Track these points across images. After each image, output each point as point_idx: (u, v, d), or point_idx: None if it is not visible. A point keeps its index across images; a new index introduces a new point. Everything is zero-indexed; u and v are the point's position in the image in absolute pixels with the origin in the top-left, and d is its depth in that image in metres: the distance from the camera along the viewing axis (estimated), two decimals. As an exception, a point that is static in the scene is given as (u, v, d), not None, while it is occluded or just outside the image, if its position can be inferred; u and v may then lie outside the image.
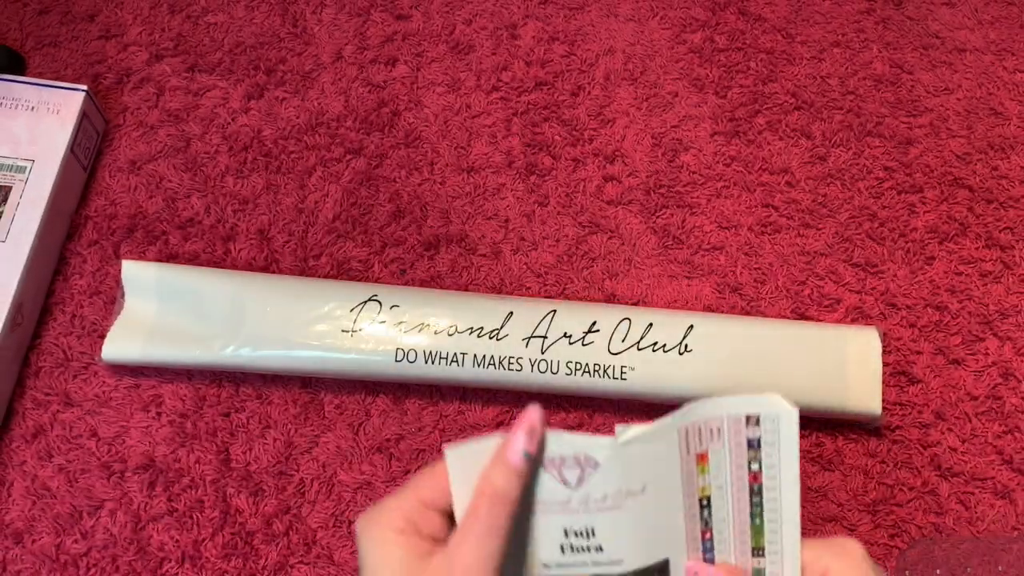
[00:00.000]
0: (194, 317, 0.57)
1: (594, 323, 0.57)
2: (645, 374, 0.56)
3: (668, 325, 0.57)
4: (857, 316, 0.63)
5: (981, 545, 0.54)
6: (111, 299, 0.61)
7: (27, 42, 0.69)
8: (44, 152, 0.60)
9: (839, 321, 0.63)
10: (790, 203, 0.66)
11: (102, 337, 0.58)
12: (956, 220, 0.66)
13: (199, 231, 0.63)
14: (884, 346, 0.60)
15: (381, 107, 0.68)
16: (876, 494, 0.58)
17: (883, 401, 0.58)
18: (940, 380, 0.61)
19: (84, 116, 0.62)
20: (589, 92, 0.69)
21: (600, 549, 0.36)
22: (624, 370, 0.56)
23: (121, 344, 0.57)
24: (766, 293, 0.63)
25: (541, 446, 0.35)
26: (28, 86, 0.62)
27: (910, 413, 0.60)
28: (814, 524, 0.57)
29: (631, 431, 0.36)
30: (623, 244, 0.64)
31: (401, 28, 0.71)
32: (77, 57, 0.68)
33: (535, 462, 0.35)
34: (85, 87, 0.63)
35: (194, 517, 0.55)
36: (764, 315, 0.62)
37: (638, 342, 0.57)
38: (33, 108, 0.62)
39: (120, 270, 0.59)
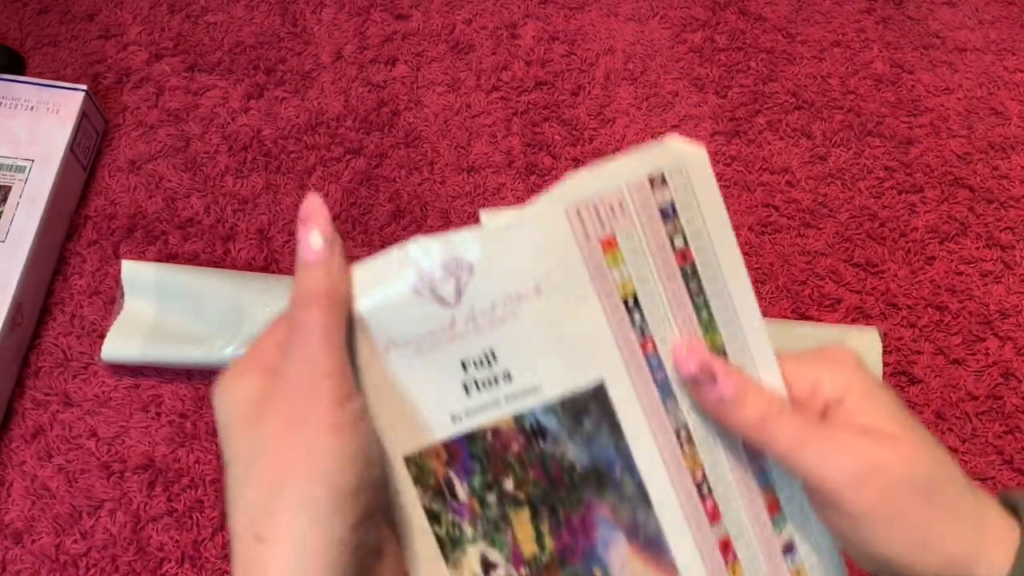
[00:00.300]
0: (194, 317, 0.57)
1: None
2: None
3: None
4: (857, 316, 0.63)
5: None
6: (111, 299, 0.61)
7: (27, 42, 0.69)
8: (44, 152, 0.60)
9: (839, 321, 0.62)
10: (790, 203, 0.66)
11: (102, 337, 0.58)
12: (957, 220, 0.66)
13: (199, 231, 0.63)
14: (884, 346, 0.60)
15: (381, 107, 0.68)
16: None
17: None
18: (940, 380, 0.61)
19: (84, 116, 0.62)
20: (589, 92, 0.69)
21: (508, 376, 0.30)
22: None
23: (121, 344, 0.57)
24: (767, 293, 0.63)
25: (330, 227, 0.29)
26: (28, 86, 0.62)
27: (911, 414, 0.60)
28: (814, 524, 0.57)
29: (500, 216, 0.29)
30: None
31: (401, 28, 0.71)
32: (77, 57, 0.68)
33: (336, 251, 0.29)
34: (85, 87, 0.62)
35: (194, 517, 0.55)
36: (765, 315, 0.62)
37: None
38: (33, 108, 0.62)
39: (120, 270, 0.59)
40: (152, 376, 0.59)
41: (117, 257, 0.62)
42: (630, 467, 0.31)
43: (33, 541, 0.54)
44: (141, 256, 0.62)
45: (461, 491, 0.31)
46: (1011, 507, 0.29)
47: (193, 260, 0.62)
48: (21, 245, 0.58)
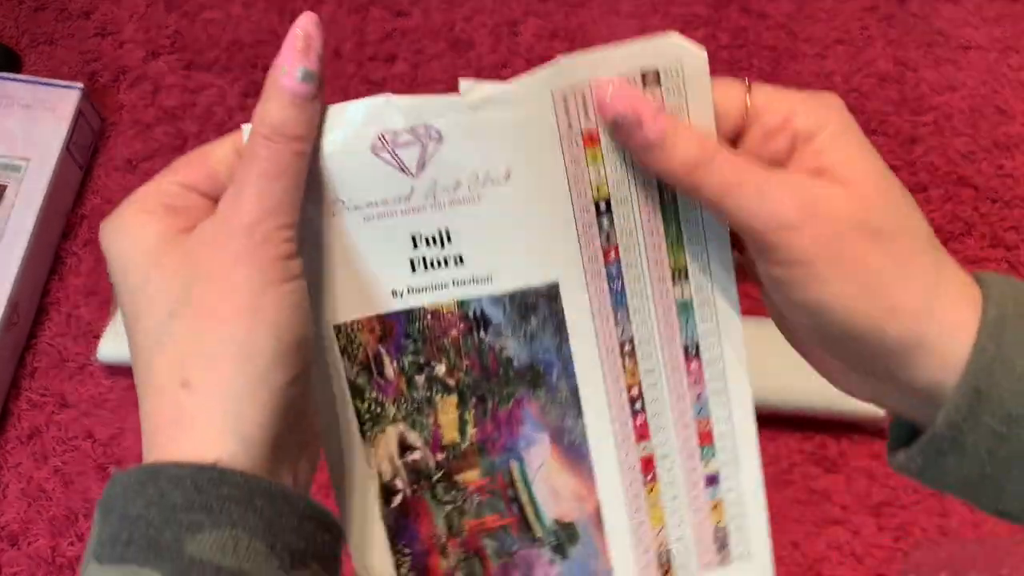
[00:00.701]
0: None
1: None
2: (646, 375, 0.56)
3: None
4: (861, 316, 0.62)
5: (986, 547, 0.54)
6: (107, 299, 0.60)
7: (22, 40, 0.68)
8: (40, 151, 0.60)
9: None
10: (793, 202, 0.66)
11: (98, 337, 0.58)
12: (961, 219, 0.66)
13: (196, 230, 0.63)
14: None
15: (380, 105, 0.67)
16: (880, 496, 0.57)
17: (887, 402, 0.58)
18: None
19: (80, 114, 0.62)
20: (590, 90, 0.69)
21: (460, 261, 0.29)
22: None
23: (117, 344, 0.56)
24: (769, 293, 0.63)
25: (322, 63, 0.26)
26: (23, 84, 0.62)
27: (914, 414, 0.60)
28: (817, 527, 0.57)
29: (482, 89, 0.27)
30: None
31: (400, 25, 0.70)
32: (73, 55, 0.68)
33: (319, 95, 0.26)
34: (81, 85, 0.62)
35: (191, 519, 0.55)
36: (766, 315, 0.62)
37: (639, 343, 0.56)
38: (28, 106, 0.61)
39: (116, 270, 0.58)
40: (149, 377, 0.58)
41: (114, 257, 0.61)
42: (568, 371, 0.30)
43: (29, 544, 0.54)
44: (138, 256, 0.61)
45: (390, 369, 0.30)
46: (978, 281, 0.26)
47: (190, 260, 0.62)
48: (17, 244, 0.57)
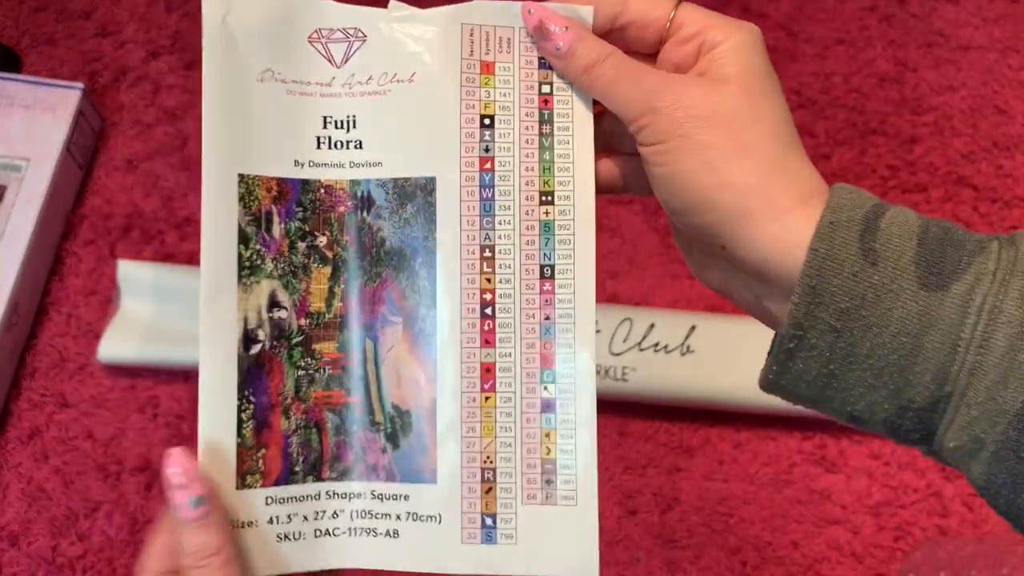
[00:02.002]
0: (191, 317, 0.57)
1: (595, 323, 0.57)
2: (647, 375, 0.56)
3: (670, 325, 0.57)
4: (861, 316, 0.62)
5: (986, 547, 0.54)
6: (107, 299, 0.60)
7: (23, 40, 0.68)
8: (40, 151, 0.60)
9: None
10: (793, 202, 0.66)
11: (98, 337, 0.58)
12: (961, 219, 0.66)
13: (196, 230, 0.62)
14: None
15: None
16: (880, 496, 0.57)
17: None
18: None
19: (80, 114, 0.62)
20: (590, 90, 0.69)
21: (360, 145, 0.33)
22: (625, 371, 0.56)
23: (117, 344, 0.56)
24: (769, 293, 0.63)
25: (202, 480, 0.30)
26: (23, 84, 0.62)
27: (914, 414, 0.60)
28: (817, 527, 0.57)
29: (406, 9, 0.33)
30: (624, 243, 0.64)
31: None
32: (73, 55, 0.68)
33: (212, 504, 0.30)
34: (81, 85, 0.62)
35: (191, 519, 0.55)
36: (767, 315, 0.62)
37: (640, 343, 0.56)
38: (29, 106, 0.61)
39: (116, 270, 0.58)
40: (149, 377, 0.58)
41: (114, 257, 0.61)
42: (430, 262, 0.33)
43: (29, 543, 0.54)
44: (138, 255, 0.61)
45: (277, 228, 0.33)
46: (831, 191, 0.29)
47: (190, 260, 0.61)
48: (17, 245, 0.57)
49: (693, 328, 0.57)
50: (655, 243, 0.64)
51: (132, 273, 0.58)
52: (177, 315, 0.57)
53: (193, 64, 0.68)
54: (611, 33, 0.32)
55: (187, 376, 0.58)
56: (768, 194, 0.28)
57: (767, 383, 0.30)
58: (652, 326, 0.57)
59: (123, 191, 0.64)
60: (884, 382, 0.27)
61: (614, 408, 0.59)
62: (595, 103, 0.33)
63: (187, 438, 0.57)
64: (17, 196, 0.59)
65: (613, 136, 0.34)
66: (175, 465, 0.30)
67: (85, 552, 0.54)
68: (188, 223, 0.63)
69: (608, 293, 0.62)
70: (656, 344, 0.56)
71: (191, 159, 0.65)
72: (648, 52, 0.32)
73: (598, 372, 0.56)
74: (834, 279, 0.27)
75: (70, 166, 0.62)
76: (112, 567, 0.53)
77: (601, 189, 0.34)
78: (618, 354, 0.56)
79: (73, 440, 0.57)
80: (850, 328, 0.27)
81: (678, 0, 0.31)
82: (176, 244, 0.62)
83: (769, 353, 0.31)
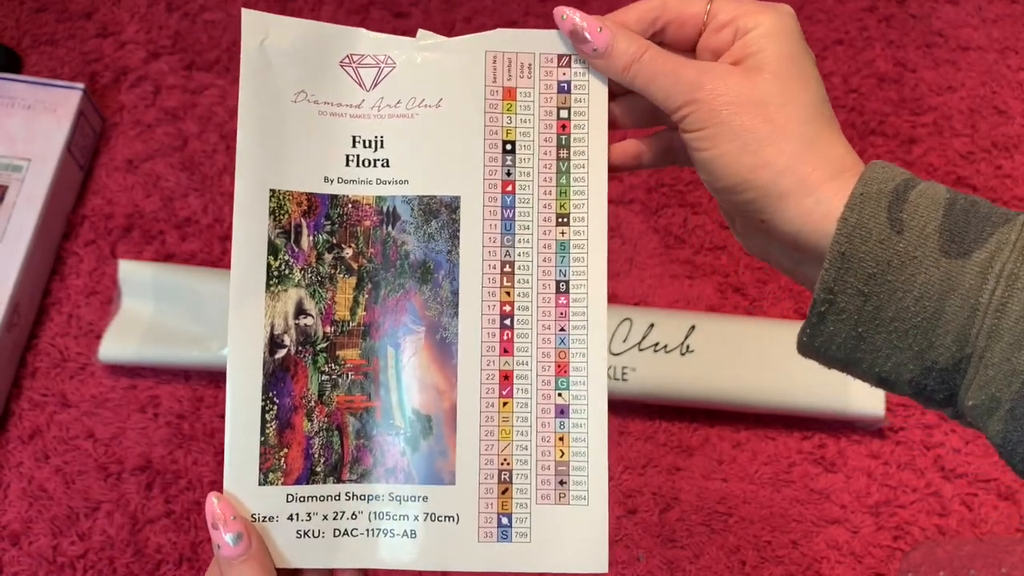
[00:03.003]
0: (191, 317, 0.57)
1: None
2: (647, 375, 0.56)
3: (670, 325, 0.57)
4: (860, 316, 0.62)
5: (984, 547, 0.54)
6: (108, 299, 0.60)
7: (24, 40, 0.68)
8: (41, 151, 0.60)
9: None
10: (792, 202, 0.66)
11: (99, 337, 0.58)
12: (960, 219, 0.66)
13: (196, 230, 0.63)
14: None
15: (380, 105, 0.68)
16: (879, 496, 0.58)
17: (886, 402, 0.58)
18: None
19: (81, 115, 0.62)
20: (590, 90, 0.69)
21: (387, 164, 0.35)
22: (625, 371, 0.56)
23: (118, 344, 0.56)
24: (768, 293, 0.63)
25: (240, 519, 0.32)
26: (24, 84, 0.62)
27: (913, 414, 0.60)
28: (816, 526, 0.57)
29: (434, 37, 0.35)
30: (624, 244, 0.64)
31: (400, 25, 0.70)
32: (74, 55, 0.68)
33: (251, 537, 0.32)
34: (82, 85, 0.62)
35: (191, 519, 0.55)
36: (766, 315, 0.62)
37: (639, 343, 0.56)
38: (29, 107, 0.61)
39: (117, 270, 0.58)
40: (149, 377, 0.58)
41: (114, 257, 0.61)
42: (453, 275, 0.35)
43: (30, 543, 0.54)
44: (138, 256, 0.62)
45: (305, 241, 0.34)
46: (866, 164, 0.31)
47: (191, 260, 0.62)
48: (18, 245, 0.57)
49: (693, 328, 0.57)
50: (655, 243, 0.64)
51: (133, 273, 0.58)
52: (178, 315, 0.57)
53: (193, 65, 0.68)
54: (651, 34, 0.33)
55: (188, 376, 0.58)
56: (801, 172, 0.30)
57: (802, 345, 0.31)
58: (652, 326, 0.57)
59: (124, 191, 0.64)
60: (909, 344, 0.28)
61: (614, 408, 0.59)
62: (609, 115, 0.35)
63: (188, 438, 0.57)
64: (18, 196, 0.59)
65: (637, 114, 0.36)
66: (214, 507, 0.32)
67: (86, 551, 0.54)
68: (189, 223, 0.63)
69: (608, 293, 0.62)
70: (656, 344, 0.56)
71: (192, 159, 0.65)
72: (687, 47, 0.33)
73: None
74: (862, 246, 0.28)
75: (71, 166, 0.62)
76: (113, 567, 0.54)
77: (623, 168, 0.36)
78: (618, 354, 0.56)
79: (74, 440, 0.57)
80: (877, 292, 0.28)
81: None
82: (177, 244, 0.62)
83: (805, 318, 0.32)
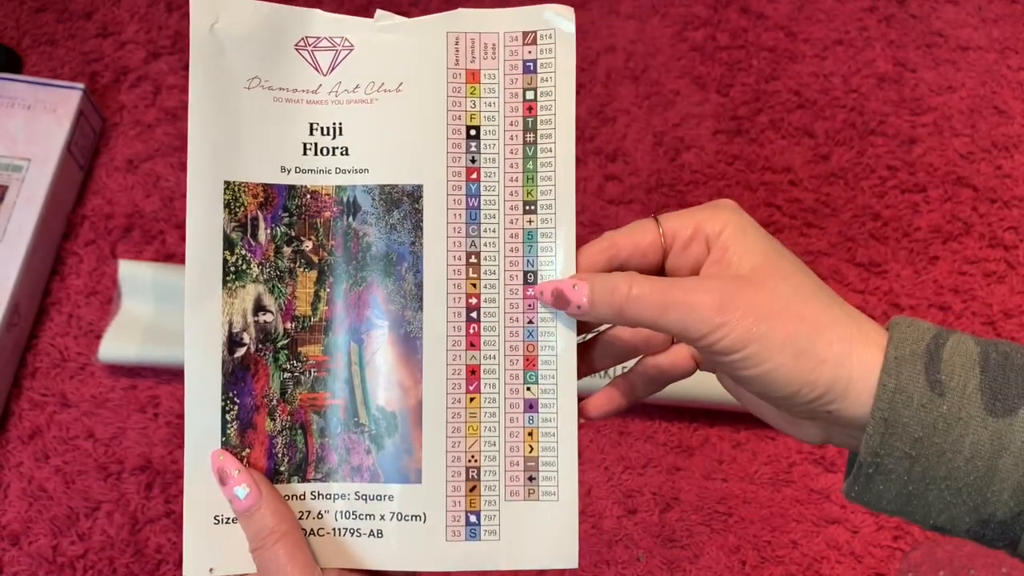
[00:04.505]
0: (192, 317, 0.57)
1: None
2: (646, 375, 0.56)
3: (669, 325, 0.57)
4: (860, 316, 0.62)
5: (984, 547, 0.54)
6: (108, 299, 0.60)
7: (24, 40, 0.68)
8: (41, 151, 0.60)
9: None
10: (793, 202, 0.66)
11: (99, 337, 0.58)
12: (960, 219, 0.66)
13: (197, 230, 0.63)
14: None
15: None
16: (879, 496, 0.58)
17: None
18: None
19: (81, 115, 0.62)
20: (590, 90, 0.69)
21: (346, 152, 0.33)
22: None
23: (118, 344, 0.56)
24: (768, 293, 0.63)
25: (242, 469, 0.32)
26: (24, 84, 0.62)
27: (913, 414, 0.60)
28: (816, 526, 0.57)
29: (392, 18, 0.34)
30: (624, 244, 0.64)
31: (400, 26, 0.70)
32: (74, 55, 0.68)
33: (265, 486, 0.32)
34: (82, 85, 0.62)
35: (192, 519, 0.55)
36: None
37: (639, 343, 0.56)
38: (29, 107, 0.61)
39: (117, 270, 0.58)
40: (149, 377, 0.58)
41: (114, 257, 0.61)
42: (417, 267, 0.33)
43: (30, 543, 0.54)
44: (138, 256, 0.62)
45: (263, 234, 0.33)
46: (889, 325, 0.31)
47: (191, 260, 0.62)
48: (18, 245, 0.57)
49: (693, 328, 0.57)
50: (655, 243, 0.64)
51: (133, 273, 0.58)
52: (177, 315, 0.57)
53: (194, 64, 0.68)
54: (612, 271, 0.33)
55: (188, 376, 0.58)
56: (856, 357, 0.29)
57: (851, 498, 0.31)
58: (652, 326, 0.57)
59: (124, 191, 0.64)
60: (963, 500, 0.29)
61: (614, 408, 0.59)
62: (576, 97, 0.34)
63: (188, 438, 0.57)
64: (18, 196, 0.59)
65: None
66: (219, 465, 0.32)
67: (86, 551, 0.54)
68: (189, 223, 0.63)
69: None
70: (656, 344, 0.56)
71: (192, 159, 0.65)
72: (653, 272, 0.33)
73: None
74: (904, 410, 0.28)
75: (71, 166, 0.62)
76: (112, 567, 0.54)
77: (607, 417, 0.36)
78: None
79: (74, 440, 0.57)
80: (925, 454, 0.28)
81: (654, 216, 0.32)
82: (177, 244, 0.62)
83: (847, 471, 0.32)
